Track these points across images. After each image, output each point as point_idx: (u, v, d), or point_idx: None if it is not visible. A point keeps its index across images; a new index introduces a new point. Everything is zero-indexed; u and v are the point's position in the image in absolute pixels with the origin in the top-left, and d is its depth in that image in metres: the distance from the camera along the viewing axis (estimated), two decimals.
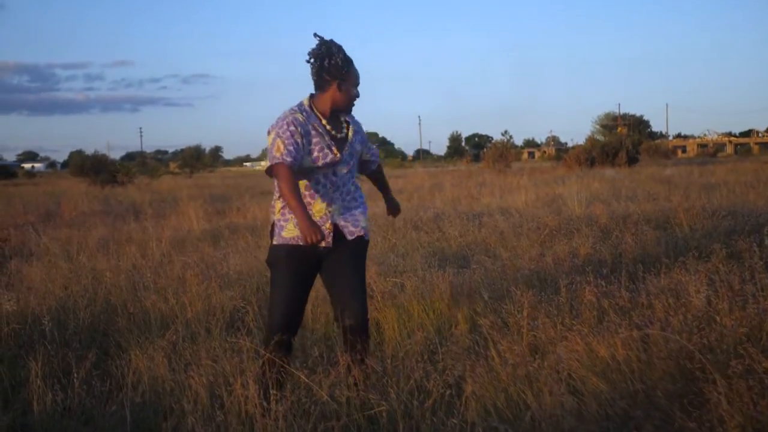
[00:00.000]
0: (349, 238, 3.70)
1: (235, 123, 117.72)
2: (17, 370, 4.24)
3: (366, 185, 4.54)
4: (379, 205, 7.29)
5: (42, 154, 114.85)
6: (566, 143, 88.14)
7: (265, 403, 3.31)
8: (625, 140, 35.10)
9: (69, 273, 6.56)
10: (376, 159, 4.04)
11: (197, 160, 51.51)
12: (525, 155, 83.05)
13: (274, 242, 3.69)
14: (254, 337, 4.55)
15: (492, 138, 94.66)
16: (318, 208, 3.65)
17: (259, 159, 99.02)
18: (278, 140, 3.50)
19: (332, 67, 3.57)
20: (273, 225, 3.72)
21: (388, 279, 5.64)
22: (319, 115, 3.64)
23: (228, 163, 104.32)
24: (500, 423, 3.06)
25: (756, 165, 25.74)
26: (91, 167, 34.77)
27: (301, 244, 3.58)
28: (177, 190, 23.51)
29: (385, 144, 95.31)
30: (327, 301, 4.18)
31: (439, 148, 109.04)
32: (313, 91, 3.68)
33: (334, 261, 3.67)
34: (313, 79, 3.65)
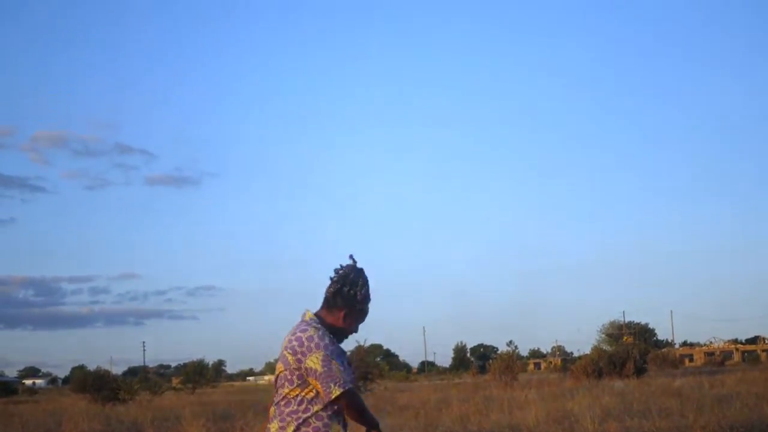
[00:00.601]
0: None
1: (239, 335, 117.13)
2: None
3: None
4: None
5: (44, 369, 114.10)
6: (572, 353, 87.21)
7: None
8: (632, 350, 34.75)
9: None
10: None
11: (200, 375, 50.87)
12: (531, 366, 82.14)
13: None
14: None
15: (497, 348, 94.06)
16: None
17: (262, 373, 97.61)
18: (334, 362, 3.32)
19: (349, 297, 3.46)
20: None
21: None
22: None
23: (231, 377, 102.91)
24: None
25: (766, 374, 25.47)
26: (92, 384, 34.29)
27: None
28: (179, 407, 23.09)
29: (389, 356, 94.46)
30: None
31: (444, 359, 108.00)
32: (317, 308, 3.54)
33: None
34: (325, 295, 3.52)
